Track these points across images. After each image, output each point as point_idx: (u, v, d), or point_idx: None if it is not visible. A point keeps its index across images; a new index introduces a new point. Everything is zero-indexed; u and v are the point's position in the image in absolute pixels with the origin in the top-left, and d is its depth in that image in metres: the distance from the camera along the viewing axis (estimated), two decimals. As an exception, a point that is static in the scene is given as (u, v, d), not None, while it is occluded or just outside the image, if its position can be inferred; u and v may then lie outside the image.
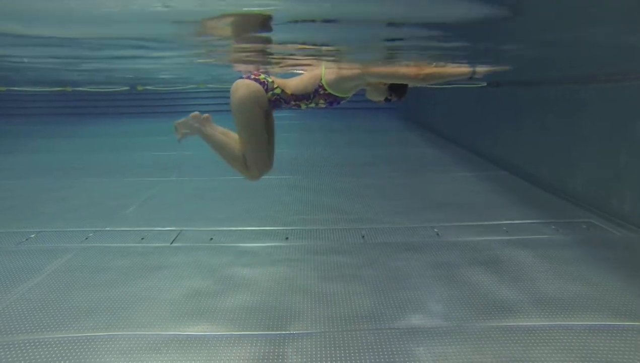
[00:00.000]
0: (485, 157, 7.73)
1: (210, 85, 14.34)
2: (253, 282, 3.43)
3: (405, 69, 2.83)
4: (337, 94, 2.89)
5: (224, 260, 3.80)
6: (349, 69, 2.86)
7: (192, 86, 14.95)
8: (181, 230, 4.50)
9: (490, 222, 4.61)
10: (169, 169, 7.39)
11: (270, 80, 2.89)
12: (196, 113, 3.10)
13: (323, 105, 2.98)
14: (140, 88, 15.06)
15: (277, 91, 2.88)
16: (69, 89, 15.22)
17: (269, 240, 4.27)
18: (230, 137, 3.07)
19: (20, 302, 3.12)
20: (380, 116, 14.61)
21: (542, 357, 2.50)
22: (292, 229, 4.53)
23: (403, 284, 3.36)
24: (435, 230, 4.44)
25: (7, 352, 2.56)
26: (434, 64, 3.19)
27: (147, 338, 2.71)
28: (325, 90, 2.86)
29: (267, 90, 2.86)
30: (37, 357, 2.53)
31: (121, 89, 15.16)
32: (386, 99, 3.01)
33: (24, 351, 2.57)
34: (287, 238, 4.31)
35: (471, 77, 3.00)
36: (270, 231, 4.48)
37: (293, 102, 2.94)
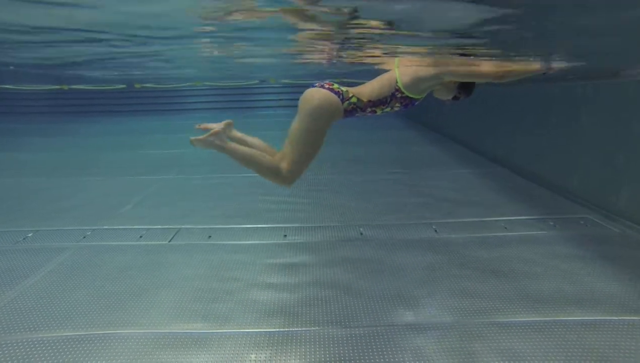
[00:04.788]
0: (484, 155, 7.74)
1: (207, 83, 14.33)
2: (251, 279, 3.42)
3: (484, 68, 2.75)
4: (413, 96, 2.83)
5: (222, 258, 3.80)
6: (426, 69, 2.79)
7: (188, 84, 14.93)
8: (179, 228, 4.49)
9: (489, 219, 4.62)
10: (167, 167, 7.37)
11: (344, 89, 2.81)
12: (216, 129, 2.82)
13: (398, 109, 2.91)
14: (137, 85, 15.05)
15: (354, 100, 2.80)
16: (66, 87, 15.20)
17: (267, 237, 4.26)
18: (256, 146, 2.96)
19: (17, 301, 3.11)
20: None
21: (539, 352, 2.50)
22: (290, 226, 4.53)
23: (401, 281, 3.36)
24: (434, 226, 4.44)
25: (5, 351, 2.55)
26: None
27: (146, 336, 2.70)
28: (402, 93, 2.80)
29: (342, 101, 2.79)
30: (35, 356, 2.52)
31: (118, 86, 15.15)
32: (454, 98, 2.96)
33: (22, 350, 2.56)
34: (285, 235, 4.31)
35: (545, 73, 2.92)
36: (268, 229, 4.48)
37: (369, 109, 2.87)
